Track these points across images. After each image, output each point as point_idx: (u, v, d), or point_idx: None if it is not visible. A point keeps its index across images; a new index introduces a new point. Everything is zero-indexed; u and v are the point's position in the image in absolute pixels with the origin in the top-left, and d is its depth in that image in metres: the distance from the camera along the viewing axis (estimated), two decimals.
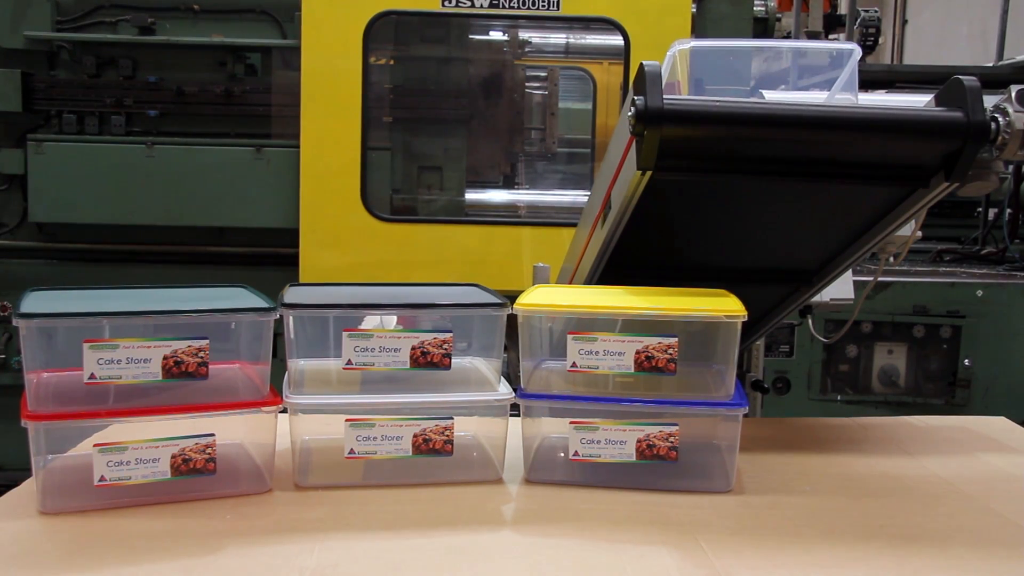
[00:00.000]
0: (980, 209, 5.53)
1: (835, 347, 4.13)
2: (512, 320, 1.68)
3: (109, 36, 4.23)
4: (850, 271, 2.20)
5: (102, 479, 1.49)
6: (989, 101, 1.56)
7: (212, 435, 1.55)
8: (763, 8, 4.54)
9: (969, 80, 1.54)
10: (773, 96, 1.70)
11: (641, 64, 1.51)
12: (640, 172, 1.55)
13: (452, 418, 1.64)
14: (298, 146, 4.09)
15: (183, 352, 1.52)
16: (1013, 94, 1.55)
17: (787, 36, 6.87)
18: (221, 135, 4.25)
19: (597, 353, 1.63)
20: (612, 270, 1.91)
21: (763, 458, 1.85)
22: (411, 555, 1.37)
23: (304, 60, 4.05)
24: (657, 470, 1.64)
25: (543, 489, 1.65)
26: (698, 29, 4.18)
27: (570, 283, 2.22)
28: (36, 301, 1.57)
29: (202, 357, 1.53)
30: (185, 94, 4.23)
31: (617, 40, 4.12)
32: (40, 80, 4.20)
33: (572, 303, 1.68)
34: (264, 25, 4.30)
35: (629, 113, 1.50)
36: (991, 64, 5.56)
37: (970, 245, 5.45)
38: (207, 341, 1.53)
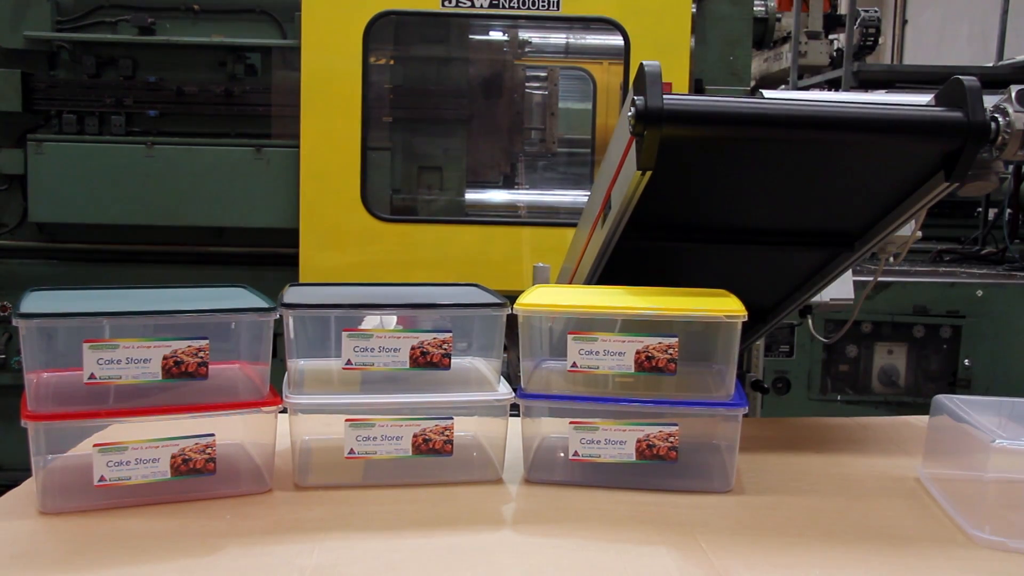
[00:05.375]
0: (980, 209, 5.53)
1: (835, 347, 4.13)
2: (512, 320, 1.68)
3: (109, 36, 4.22)
4: (850, 271, 2.19)
5: (102, 479, 1.49)
6: (989, 101, 1.56)
7: (212, 435, 1.55)
8: (763, 8, 4.54)
9: (969, 80, 1.54)
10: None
11: (641, 64, 1.51)
12: (640, 172, 1.55)
13: (452, 418, 1.64)
14: (298, 146, 4.09)
15: (183, 352, 1.52)
16: (1013, 94, 1.55)
17: (787, 36, 6.89)
18: (221, 135, 4.25)
19: (597, 353, 1.63)
20: (612, 270, 1.91)
21: (763, 458, 1.84)
22: (411, 555, 1.37)
23: (304, 60, 4.05)
24: (657, 470, 1.64)
25: (543, 489, 1.65)
26: (698, 29, 4.18)
27: (570, 283, 2.22)
28: (36, 301, 1.57)
29: (202, 357, 1.53)
30: (185, 94, 4.22)
31: (617, 40, 4.12)
32: (40, 80, 4.19)
33: (572, 303, 1.68)
34: (264, 25, 4.30)
35: (629, 113, 1.50)
36: (991, 64, 5.57)
37: (970, 245, 5.45)
38: (207, 341, 1.53)
